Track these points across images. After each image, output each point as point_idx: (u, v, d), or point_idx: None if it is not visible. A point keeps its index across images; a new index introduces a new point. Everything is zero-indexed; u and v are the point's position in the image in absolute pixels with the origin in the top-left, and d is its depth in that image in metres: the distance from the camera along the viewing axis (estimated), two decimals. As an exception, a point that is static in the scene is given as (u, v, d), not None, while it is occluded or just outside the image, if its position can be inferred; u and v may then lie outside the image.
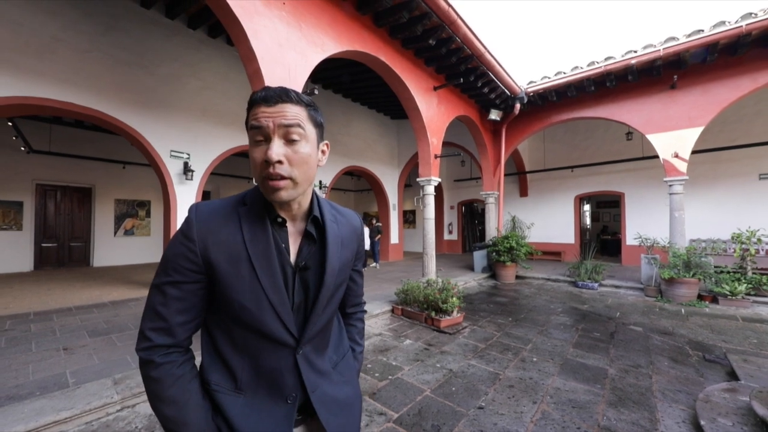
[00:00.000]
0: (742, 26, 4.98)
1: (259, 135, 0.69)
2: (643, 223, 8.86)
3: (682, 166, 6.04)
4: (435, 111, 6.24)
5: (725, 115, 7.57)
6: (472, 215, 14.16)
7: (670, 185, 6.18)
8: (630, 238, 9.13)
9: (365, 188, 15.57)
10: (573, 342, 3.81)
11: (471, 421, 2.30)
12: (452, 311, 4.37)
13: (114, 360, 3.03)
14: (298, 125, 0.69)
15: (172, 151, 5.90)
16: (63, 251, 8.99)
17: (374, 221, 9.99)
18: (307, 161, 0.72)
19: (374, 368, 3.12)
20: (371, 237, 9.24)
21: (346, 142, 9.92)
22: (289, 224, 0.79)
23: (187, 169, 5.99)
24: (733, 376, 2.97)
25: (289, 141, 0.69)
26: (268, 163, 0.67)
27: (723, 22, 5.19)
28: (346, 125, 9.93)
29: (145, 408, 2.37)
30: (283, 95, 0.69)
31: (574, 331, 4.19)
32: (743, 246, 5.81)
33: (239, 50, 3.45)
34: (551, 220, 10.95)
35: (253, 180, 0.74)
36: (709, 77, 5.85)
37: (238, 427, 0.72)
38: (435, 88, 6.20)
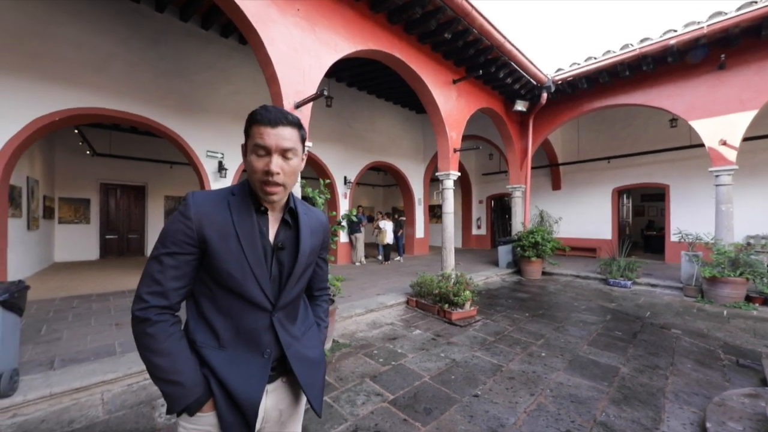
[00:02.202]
0: (805, -6, 4.39)
1: (262, 150, 0.88)
2: (692, 219, 8.09)
3: (731, 155, 5.45)
4: (454, 104, 6.19)
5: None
6: (503, 210, 13.73)
7: (717, 176, 5.60)
8: (673, 234, 8.39)
9: (393, 183, 15.69)
10: (589, 340, 3.70)
11: (463, 407, 2.38)
12: (464, 304, 4.40)
13: (154, 335, 3.48)
14: (294, 148, 0.91)
15: (208, 151, 6.45)
16: (123, 242, 10.17)
17: (397, 216, 10.11)
18: (295, 172, 0.94)
19: (380, 354, 3.28)
20: (395, 232, 9.38)
21: (371, 138, 10.09)
22: (269, 213, 0.99)
23: (221, 168, 6.52)
24: (765, 383, 2.75)
25: (285, 157, 0.90)
26: (268, 173, 0.87)
27: (782, -9, 4.60)
28: (370, 122, 10.09)
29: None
30: (282, 119, 0.89)
31: (593, 329, 4.04)
32: (807, 243, 5.16)
33: (257, 56, 3.71)
34: (586, 215, 10.34)
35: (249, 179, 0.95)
36: (765, 54, 5.20)
37: (221, 375, 0.90)
38: (454, 82, 6.14)
